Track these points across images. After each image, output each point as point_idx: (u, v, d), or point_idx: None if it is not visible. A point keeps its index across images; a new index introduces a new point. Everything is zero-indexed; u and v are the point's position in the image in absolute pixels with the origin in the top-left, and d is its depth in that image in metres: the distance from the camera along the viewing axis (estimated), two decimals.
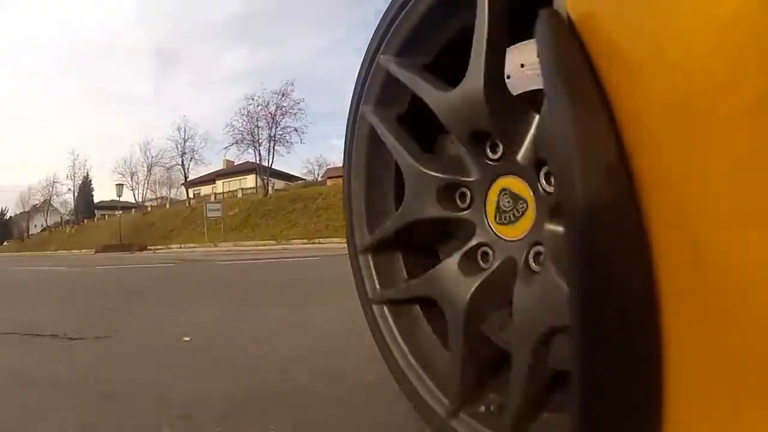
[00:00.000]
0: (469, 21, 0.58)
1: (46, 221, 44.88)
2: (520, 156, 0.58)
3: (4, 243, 46.93)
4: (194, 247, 20.05)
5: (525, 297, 0.55)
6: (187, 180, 33.48)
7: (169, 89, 72.50)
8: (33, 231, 46.54)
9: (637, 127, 0.35)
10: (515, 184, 0.60)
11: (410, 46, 0.68)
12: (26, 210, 45.85)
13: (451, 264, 0.65)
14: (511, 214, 0.61)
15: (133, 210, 37.38)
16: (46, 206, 44.16)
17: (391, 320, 0.75)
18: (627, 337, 0.35)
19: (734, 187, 0.30)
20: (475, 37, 0.56)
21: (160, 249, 21.98)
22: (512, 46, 0.62)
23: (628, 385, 0.36)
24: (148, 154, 35.79)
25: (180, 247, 21.54)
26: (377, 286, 0.77)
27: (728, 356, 0.31)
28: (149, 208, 36.33)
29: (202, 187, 37.84)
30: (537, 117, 0.56)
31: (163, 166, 34.93)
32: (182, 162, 32.36)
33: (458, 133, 0.61)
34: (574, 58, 0.38)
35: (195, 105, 66.71)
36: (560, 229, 0.53)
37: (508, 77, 0.62)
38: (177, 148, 32.14)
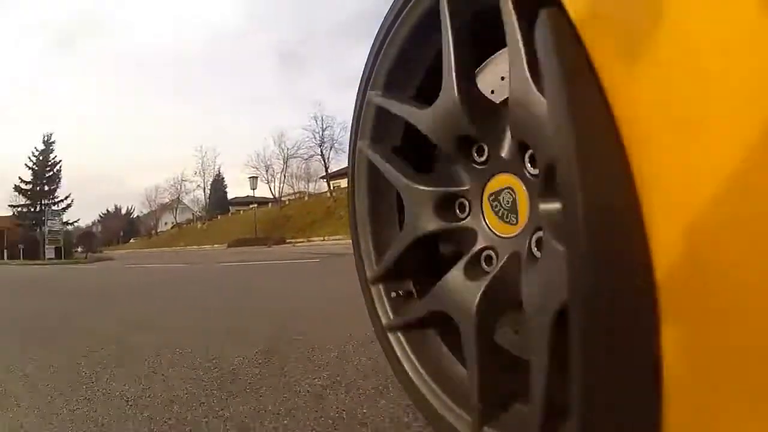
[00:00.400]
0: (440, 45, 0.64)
1: (175, 218, 44.96)
2: (504, 151, 0.60)
3: (131, 240, 47.76)
4: (339, 239, 17.55)
5: (532, 283, 0.54)
6: (328, 170, 31.60)
7: (299, 86, 75.12)
8: (162, 228, 46.57)
9: (638, 127, 0.35)
10: (506, 179, 0.61)
11: (394, 80, 0.75)
12: (153, 208, 46.39)
13: (456, 272, 0.65)
14: (507, 211, 0.62)
15: (270, 204, 36.10)
16: (175, 203, 44.46)
17: (407, 347, 0.73)
18: (627, 337, 0.35)
19: (735, 187, 0.30)
20: (443, 55, 0.62)
21: (300, 242, 20.18)
22: (491, 58, 0.68)
23: (628, 385, 0.36)
24: (283, 146, 34.84)
25: (323, 240, 19.58)
26: (390, 314, 0.76)
27: (728, 356, 0.31)
28: (287, 202, 34.90)
29: (341, 180, 35.16)
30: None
31: (300, 158, 33.57)
32: (321, 152, 30.95)
33: (444, 143, 0.65)
34: (575, 58, 0.38)
35: (328, 100, 68.61)
36: (555, 205, 0.52)
37: (492, 92, 0.67)
38: (314, 137, 30.85)
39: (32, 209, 38.36)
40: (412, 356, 0.72)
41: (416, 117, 0.67)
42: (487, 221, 0.65)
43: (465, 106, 0.60)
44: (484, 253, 0.65)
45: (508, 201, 0.62)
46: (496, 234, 0.64)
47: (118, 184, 75.24)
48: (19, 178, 39.38)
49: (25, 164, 39.57)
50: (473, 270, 0.64)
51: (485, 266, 0.64)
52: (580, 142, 0.36)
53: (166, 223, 47.62)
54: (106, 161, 77.24)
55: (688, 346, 0.33)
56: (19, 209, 38.99)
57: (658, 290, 0.34)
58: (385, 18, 0.73)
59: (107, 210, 54.53)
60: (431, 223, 0.68)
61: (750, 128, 0.29)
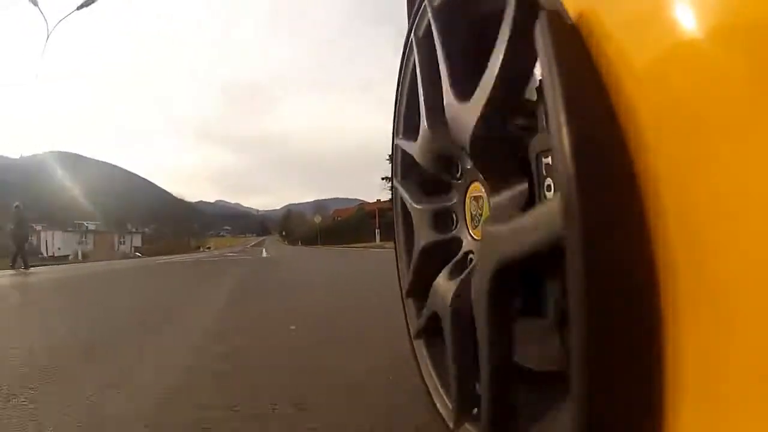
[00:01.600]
0: None
1: None
2: (470, 166, 0.69)
3: None
4: None
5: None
6: None
7: None
8: None
9: (641, 126, 0.35)
10: (476, 187, 0.69)
11: (408, 125, 0.91)
12: None
13: (442, 275, 0.72)
14: (479, 215, 0.69)
15: None
16: None
17: (425, 352, 0.81)
18: (628, 337, 0.35)
19: (737, 187, 0.29)
20: (419, 100, 0.77)
21: None
22: None
23: (629, 385, 0.36)
24: None
25: None
26: (415, 323, 0.85)
27: (730, 356, 0.30)
28: None
29: None
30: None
31: None
32: None
33: (429, 166, 0.77)
34: (575, 58, 0.38)
35: None
36: (495, 199, 0.59)
37: None
38: None
39: None
40: (427, 359, 0.79)
41: (412, 149, 0.82)
42: (468, 228, 0.72)
43: (433, 131, 0.73)
44: (468, 257, 0.71)
45: (479, 206, 0.69)
46: (473, 238, 0.70)
47: None
48: None
49: None
50: (455, 271, 0.71)
51: (468, 266, 0.70)
52: (580, 142, 0.36)
53: None
54: None
55: (691, 345, 0.32)
56: None
57: (661, 290, 0.34)
58: (398, 71, 0.92)
59: None
60: (430, 236, 0.78)
61: (753, 126, 0.28)
